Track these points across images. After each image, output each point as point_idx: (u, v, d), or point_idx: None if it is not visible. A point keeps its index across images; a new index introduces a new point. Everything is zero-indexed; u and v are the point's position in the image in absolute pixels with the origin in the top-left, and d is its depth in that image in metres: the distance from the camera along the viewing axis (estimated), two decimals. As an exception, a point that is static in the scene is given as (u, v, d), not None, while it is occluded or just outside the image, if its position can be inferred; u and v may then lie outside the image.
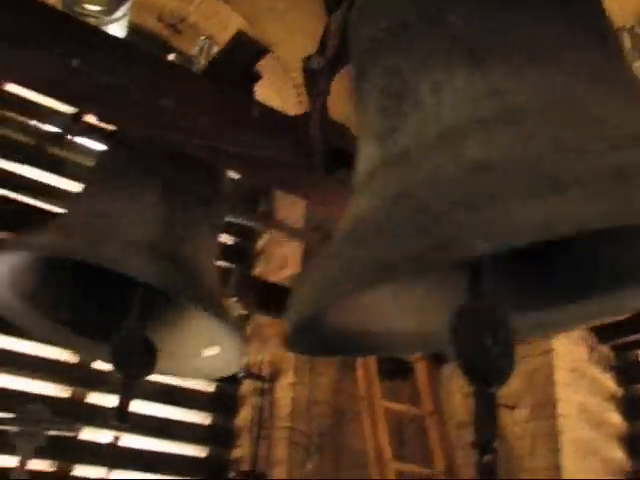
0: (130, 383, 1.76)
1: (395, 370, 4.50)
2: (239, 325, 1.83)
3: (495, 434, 1.05)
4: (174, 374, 2.22)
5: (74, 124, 2.09)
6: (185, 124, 1.79)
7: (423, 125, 1.08)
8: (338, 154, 1.84)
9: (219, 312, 1.69)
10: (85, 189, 2.00)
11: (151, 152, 1.91)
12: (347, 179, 1.86)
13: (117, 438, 2.08)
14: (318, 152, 1.82)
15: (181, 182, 1.90)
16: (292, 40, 4.59)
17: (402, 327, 1.41)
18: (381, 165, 1.12)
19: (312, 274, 1.08)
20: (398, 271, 0.91)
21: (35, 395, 3.70)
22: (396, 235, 0.92)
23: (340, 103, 2.02)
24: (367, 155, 1.21)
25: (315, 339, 1.27)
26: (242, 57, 2.13)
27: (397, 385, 4.50)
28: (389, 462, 3.87)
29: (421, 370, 4.50)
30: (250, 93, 2.11)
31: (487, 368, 1.04)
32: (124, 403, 1.73)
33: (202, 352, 1.88)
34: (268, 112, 2.02)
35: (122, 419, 1.73)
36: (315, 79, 2.02)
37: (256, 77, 2.18)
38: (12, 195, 3.81)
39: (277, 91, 4.62)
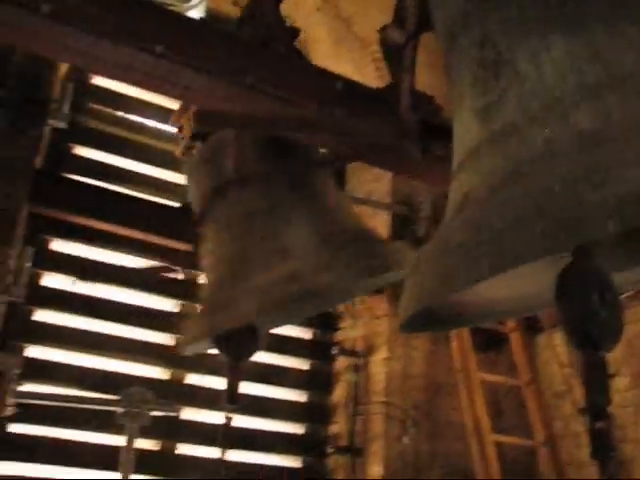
0: (236, 366, 1.80)
1: (489, 342, 4.45)
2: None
3: (609, 399, 1.01)
4: None
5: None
6: (270, 102, 1.79)
7: (525, 97, 1.03)
8: (431, 128, 1.81)
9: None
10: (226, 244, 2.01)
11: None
12: (440, 152, 1.85)
13: (229, 419, 2.12)
14: (412, 129, 1.79)
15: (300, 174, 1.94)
16: (367, 15, 4.55)
17: (498, 293, 1.38)
18: (485, 141, 1.08)
19: (427, 261, 1.05)
20: (525, 259, 0.87)
21: (137, 377, 3.83)
22: (518, 219, 0.88)
23: (420, 74, 1.99)
24: (466, 131, 1.17)
25: (424, 320, 1.26)
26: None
27: (491, 357, 4.44)
28: (488, 434, 3.83)
29: (516, 340, 4.42)
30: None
31: (596, 331, 0.99)
32: (233, 385, 1.77)
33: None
34: (352, 86, 2.01)
35: (232, 401, 1.77)
36: (398, 53, 1.99)
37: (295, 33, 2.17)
38: (109, 186, 3.93)
39: (356, 67, 4.59)
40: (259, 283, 1.72)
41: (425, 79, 2.08)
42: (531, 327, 4.49)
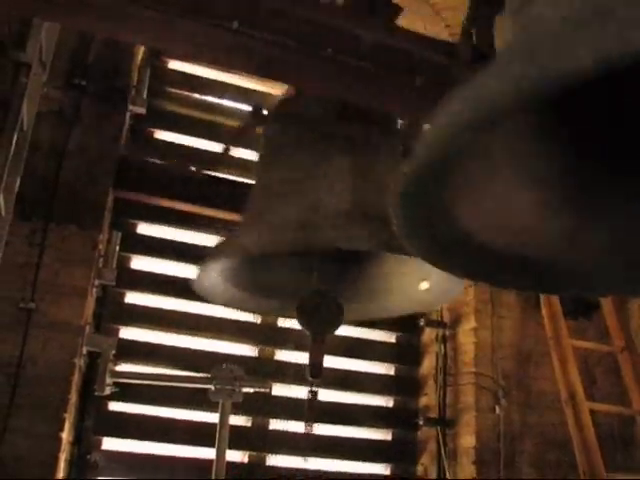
0: (319, 339, 1.80)
1: (579, 308, 4.33)
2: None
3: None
4: (388, 314, 2.25)
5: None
6: (349, 73, 1.77)
7: None
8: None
9: None
10: (267, 171, 2.01)
11: (324, 116, 1.91)
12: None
13: (314, 393, 2.13)
14: (463, 54, 1.74)
15: (362, 139, 1.89)
16: (438, -20, 4.47)
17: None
18: (514, 35, 1.03)
19: (441, 109, 0.86)
20: (501, 105, 0.73)
21: (227, 355, 3.89)
22: (505, 70, 0.76)
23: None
24: (505, 35, 1.11)
25: (457, 252, 1.15)
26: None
27: (582, 324, 4.33)
28: (582, 402, 3.74)
29: (607, 306, 4.29)
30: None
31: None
32: (316, 359, 1.77)
33: (419, 287, 1.89)
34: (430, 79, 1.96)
35: (315, 374, 1.77)
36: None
37: (398, 10, 2.12)
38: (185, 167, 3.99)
39: (430, 34, 4.49)
40: (274, 222, 1.70)
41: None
42: (623, 292, 4.34)
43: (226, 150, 3.99)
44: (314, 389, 2.07)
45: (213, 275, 1.88)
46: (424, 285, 1.90)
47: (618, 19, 0.63)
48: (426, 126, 1.00)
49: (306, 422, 3.86)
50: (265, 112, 2.08)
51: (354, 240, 1.64)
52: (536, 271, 1.22)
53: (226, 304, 2.09)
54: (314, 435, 3.98)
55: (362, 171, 1.81)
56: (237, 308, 2.13)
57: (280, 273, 2.01)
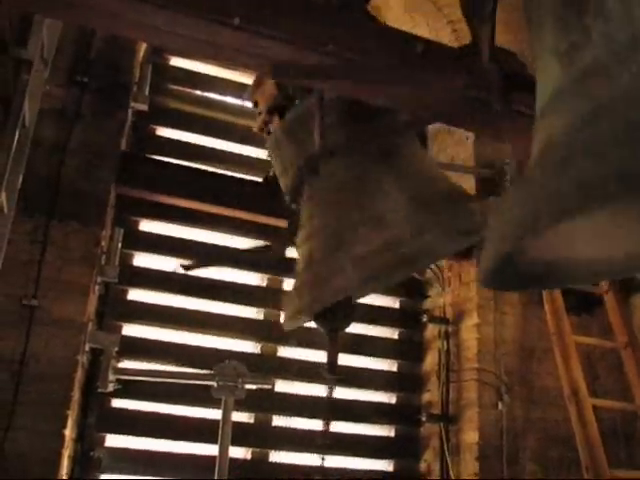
0: (334, 336, 1.80)
1: (582, 304, 4.33)
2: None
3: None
4: None
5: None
6: (352, 68, 1.77)
7: (612, 34, 0.97)
8: (514, 81, 1.75)
9: None
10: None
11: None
12: (524, 109, 1.79)
13: (331, 389, 2.14)
14: (494, 80, 1.73)
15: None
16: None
17: (588, 254, 1.32)
18: (568, 83, 1.02)
19: (508, 208, 1.01)
20: (609, 197, 0.83)
21: (230, 352, 3.89)
22: (601, 155, 0.84)
23: (499, 33, 1.92)
24: (548, 75, 1.12)
25: (508, 275, 1.22)
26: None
27: (585, 319, 4.32)
28: (585, 398, 3.73)
29: (610, 302, 4.28)
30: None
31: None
32: (333, 356, 1.77)
33: None
34: (432, 47, 1.95)
35: (332, 371, 1.78)
36: (478, 8, 1.92)
37: None
38: (187, 163, 3.99)
39: (433, 30, 4.50)
40: (357, 254, 1.70)
41: (505, 40, 2.01)
42: (625, 287, 4.34)
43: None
44: (331, 386, 2.09)
45: None
46: None
47: None
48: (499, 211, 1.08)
49: (301, 416, 3.88)
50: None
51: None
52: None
53: None
54: (317, 431, 4.02)
55: (403, 172, 1.84)
56: None
57: None
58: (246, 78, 4.28)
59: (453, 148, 4.59)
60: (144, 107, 3.77)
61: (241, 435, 3.62)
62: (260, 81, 2.35)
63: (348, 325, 1.86)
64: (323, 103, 1.97)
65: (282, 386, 4.05)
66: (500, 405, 3.99)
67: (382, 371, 4.42)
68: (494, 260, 1.05)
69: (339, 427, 4.15)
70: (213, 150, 4.30)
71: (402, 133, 2.01)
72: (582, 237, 1.30)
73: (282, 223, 3.68)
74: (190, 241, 4.02)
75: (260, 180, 3.85)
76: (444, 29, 4.56)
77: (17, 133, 2.27)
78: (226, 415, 3.18)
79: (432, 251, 1.84)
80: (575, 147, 0.90)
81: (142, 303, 3.88)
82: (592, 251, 1.31)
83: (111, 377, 3.16)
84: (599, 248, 1.31)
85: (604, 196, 0.81)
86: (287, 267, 3.55)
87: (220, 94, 4.41)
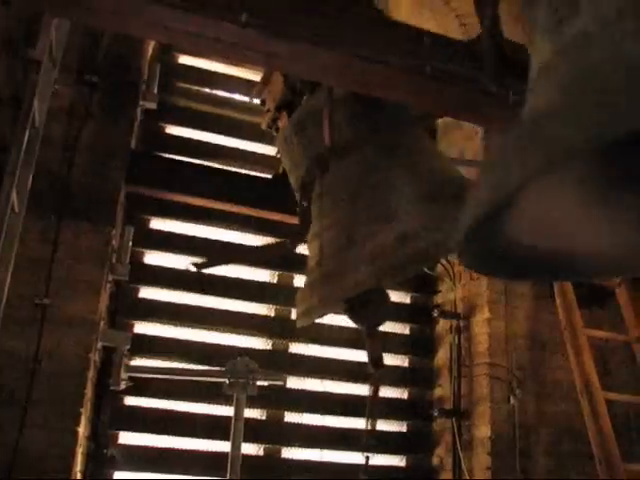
0: (374, 331, 1.81)
1: (593, 297, 4.31)
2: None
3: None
4: None
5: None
6: (361, 64, 1.77)
7: (598, 6, 0.97)
8: (509, 62, 1.75)
9: None
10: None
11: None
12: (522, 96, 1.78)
13: (377, 387, 2.11)
14: (487, 59, 1.73)
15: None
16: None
17: (590, 249, 1.31)
18: (554, 55, 1.03)
19: (486, 170, 0.99)
20: (573, 153, 0.81)
21: (241, 349, 3.90)
22: (576, 118, 0.82)
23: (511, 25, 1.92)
24: (538, 52, 1.12)
25: (501, 258, 1.19)
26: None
27: (596, 313, 4.30)
28: (598, 392, 3.72)
29: (622, 295, 4.26)
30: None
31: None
32: (374, 351, 1.78)
33: None
34: (439, 40, 1.95)
35: (377, 366, 1.79)
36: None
37: None
38: (196, 161, 3.99)
39: (441, 24, 4.48)
40: (371, 249, 1.71)
41: (514, 32, 2.01)
42: (637, 280, 4.32)
43: None
44: (376, 384, 2.09)
45: None
46: None
47: None
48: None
49: (313, 412, 3.87)
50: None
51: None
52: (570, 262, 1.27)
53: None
54: (329, 428, 4.02)
55: (413, 166, 1.83)
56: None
57: None
58: (254, 75, 4.28)
59: (462, 142, 4.58)
60: (153, 105, 3.78)
61: (253, 432, 3.63)
62: (268, 78, 2.36)
63: (386, 318, 1.87)
64: (332, 99, 1.97)
65: (294, 382, 4.06)
66: (512, 399, 3.98)
67: (394, 366, 4.42)
68: (467, 228, 1.00)
69: (351, 423, 4.15)
70: (222, 147, 4.30)
71: (411, 127, 2.01)
72: (581, 230, 1.28)
73: (293, 220, 3.68)
74: (200, 239, 4.03)
75: (270, 177, 3.87)
76: (452, 23, 4.54)
77: (27, 133, 2.28)
78: (238, 412, 3.19)
79: (444, 245, 1.84)
80: (551, 113, 0.89)
81: (153, 301, 3.89)
82: (594, 247, 1.30)
83: (123, 375, 3.18)
84: (602, 245, 1.30)
85: (567, 151, 0.80)
86: (298, 263, 3.54)
87: (229, 91, 4.41)
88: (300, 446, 4.00)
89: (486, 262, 1.20)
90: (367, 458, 3.25)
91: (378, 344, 1.86)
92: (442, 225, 1.68)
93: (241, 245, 4.10)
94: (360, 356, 4.21)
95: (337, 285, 1.75)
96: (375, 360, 1.84)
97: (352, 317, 1.87)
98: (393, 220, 1.71)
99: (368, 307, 1.82)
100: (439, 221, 1.68)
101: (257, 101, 2.51)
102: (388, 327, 4.39)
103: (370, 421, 2.35)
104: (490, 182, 0.94)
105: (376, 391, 2.20)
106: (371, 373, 1.91)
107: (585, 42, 0.97)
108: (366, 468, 3.01)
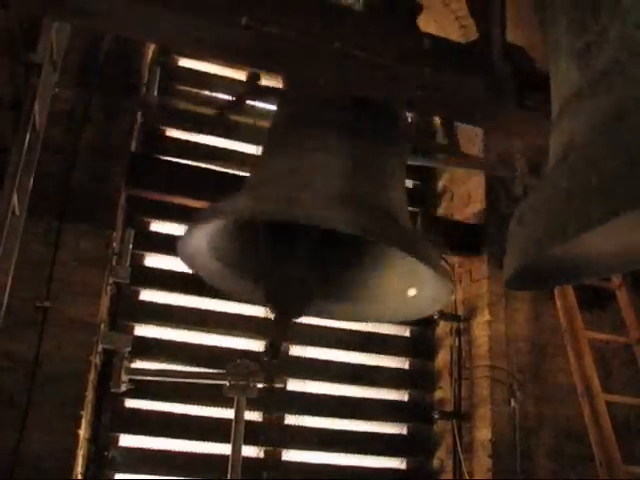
0: (284, 320, 1.79)
1: (594, 299, 4.31)
2: (442, 263, 1.80)
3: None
4: (375, 319, 2.23)
5: (251, 87, 2.13)
6: (359, 65, 1.77)
7: (628, 34, 0.96)
8: (526, 79, 1.74)
9: (421, 253, 1.66)
10: (267, 151, 2.02)
11: (328, 102, 1.90)
12: (538, 105, 1.78)
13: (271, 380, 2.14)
14: (506, 79, 1.73)
15: (363, 127, 1.87)
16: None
17: (606, 246, 1.31)
18: (586, 83, 1.01)
19: (534, 213, 1.00)
20: (632, 204, 0.81)
21: (241, 351, 3.90)
22: (628, 156, 0.81)
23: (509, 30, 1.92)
24: (565, 76, 1.10)
25: (528, 278, 1.21)
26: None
27: (597, 315, 4.30)
28: (598, 394, 3.72)
29: (622, 297, 4.26)
30: (415, 25, 2.05)
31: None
32: (277, 340, 1.76)
33: (406, 294, 1.87)
34: (440, 43, 1.95)
35: (273, 356, 1.77)
36: (485, 5, 1.92)
37: (419, 9, 2.11)
38: (196, 163, 4.00)
39: (440, 27, 4.48)
40: (263, 194, 1.70)
41: (514, 36, 2.01)
42: (638, 282, 4.32)
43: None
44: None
45: (198, 240, 1.87)
46: (412, 292, 1.87)
47: None
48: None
49: (312, 415, 3.86)
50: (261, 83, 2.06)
51: (333, 220, 1.60)
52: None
53: (204, 276, 2.06)
54: (329, 430, 4.02)
55: (359, 158, 1.81)
56: (212, 283, 2.11)
57: (264, 257, 1.98)
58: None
59: (464, 146, 4.56)
60: (153, 108, 3.79)
61: (253, 434, 3.63)
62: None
63: (300, 313, 1.85)
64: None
65: (294, 385, 4.06)
66: (512, 402, 3.98)
67: (394, 369, 4.42)
68: (519, 265, 1.04)
69: (351, 425, 4.15)
70: (222, 150, 4.30)
71: (399, 138, 2.00)
72: (601, 233, 1.29)
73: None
74: (201, 241, 4.02)
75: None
76: (451, 25, 4.54)
77: (28, 136, 2.29)
78: (238, 414, 3.19)
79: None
80: (600, 149, 0.88)
81: (154, 303, 3.89)
82: (606, 244, 1.30)
83: (124, 377, 3.18)
84: (613, 240, 1.29)
85: (635, 200, 0.80)
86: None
87: (228, 94, 4.41)
88: (301, 448, 4.00)
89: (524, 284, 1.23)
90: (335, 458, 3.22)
91: (283, 334, 1.84)
92: (336, 211, 1.64)
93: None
94: (360, 358, 4.22)
95: (227, 207, 1.74)
96: (274, 349, 1.83)
97: (266, 298, 1.85)
98: (308, 184, 1.69)
99: (285, 294, 1.80)
100: (336, 208, 1.65)
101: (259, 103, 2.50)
102: (388, 329, 4.40)
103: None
104: (544, 225, 0.95)
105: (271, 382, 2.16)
106: (265, 360, 1.89)
107: (619, 72, 0.96)
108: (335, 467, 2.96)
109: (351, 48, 1.76)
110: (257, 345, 4.06)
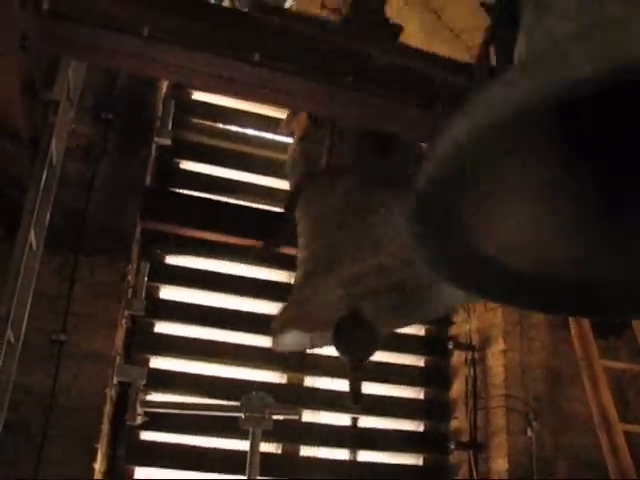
0: (358, 365, 1.82)
1: (609, 327, 4.29)
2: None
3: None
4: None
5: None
6: (374, 101, 1.80)
7: None
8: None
9: None
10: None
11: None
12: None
13: (355, 419, 2.15)
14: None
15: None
16: (457, 3, 4.49)
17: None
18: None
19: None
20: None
21: (256, 383, 3.90)
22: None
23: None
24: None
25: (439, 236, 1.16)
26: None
27: (612, 343, 4.28)
28: (616, 423, 3.68)
29: (638, 324, 4.24)
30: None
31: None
32: (355, 386, 1.79)
33: None
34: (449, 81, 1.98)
35: (356, 401, 1.79)
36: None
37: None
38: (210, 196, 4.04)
39: (452, 57, 4.52)
40: (347, 275, 1.71)
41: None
42: (654, 309, 4.29)
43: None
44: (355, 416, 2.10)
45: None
46: None
47: (616, 30, 0.71)
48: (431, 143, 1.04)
49: (330, 446, 3.85)
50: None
51: None
52: (553, 292, 1.25)
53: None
54: (345, 461, 4.00)
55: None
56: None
57: None
58: (268, 111, 4.33)
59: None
60: (167, 142, 3.84)
61: (269, 466, 3.61)
62: (293, 113, 2.39)
63: (371, 355, 1.87)
64: (336, 128, 2.00)
65: (309, 416, 4.05)
66: (529, 431, 3.95)
67: (409, 399, 4.40)
68: (425, 183, 1.00)
69: (367, 456, 4.13)
70: (236, 182, 4.33)
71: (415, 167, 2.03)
72: (558, 257, 1.23)
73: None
74: (216, 273, 4.05)
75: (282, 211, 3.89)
76: (463, 55, 4.58)
77: (45, 172, 2.33)
78: (254, 446, 3.18)
79: (419, 280, 1.83)
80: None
81: (169, 335, 3.90)
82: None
83: (139, 410, 3.19)
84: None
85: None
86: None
87: (242, 127, 4.46)
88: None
89: (456, 274, 1.21)
90: None
91: (360, 378, 1.86)
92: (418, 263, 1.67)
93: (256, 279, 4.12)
94: (375, 389, 4.20)
95: (307, 309, 1.76)
96: (356, 394, 1.85)
97: (338, 348, 1.87)
98: (377, 251, 1.71)
99: (355, 340, 1.83)
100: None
101: (283, 137, 2.54)
102: (403, 359, 4.39)
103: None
104: (444, 146, 0.94)
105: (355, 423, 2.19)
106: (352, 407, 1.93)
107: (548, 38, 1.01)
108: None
109: (365, 84, 1.79)
110: (273, 377, 4.06)
